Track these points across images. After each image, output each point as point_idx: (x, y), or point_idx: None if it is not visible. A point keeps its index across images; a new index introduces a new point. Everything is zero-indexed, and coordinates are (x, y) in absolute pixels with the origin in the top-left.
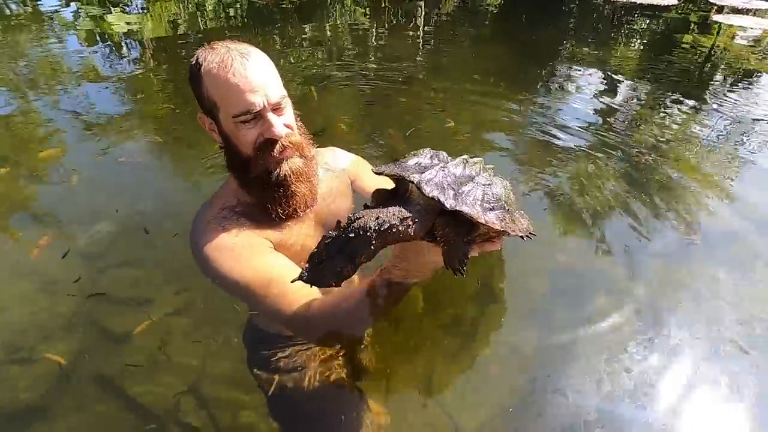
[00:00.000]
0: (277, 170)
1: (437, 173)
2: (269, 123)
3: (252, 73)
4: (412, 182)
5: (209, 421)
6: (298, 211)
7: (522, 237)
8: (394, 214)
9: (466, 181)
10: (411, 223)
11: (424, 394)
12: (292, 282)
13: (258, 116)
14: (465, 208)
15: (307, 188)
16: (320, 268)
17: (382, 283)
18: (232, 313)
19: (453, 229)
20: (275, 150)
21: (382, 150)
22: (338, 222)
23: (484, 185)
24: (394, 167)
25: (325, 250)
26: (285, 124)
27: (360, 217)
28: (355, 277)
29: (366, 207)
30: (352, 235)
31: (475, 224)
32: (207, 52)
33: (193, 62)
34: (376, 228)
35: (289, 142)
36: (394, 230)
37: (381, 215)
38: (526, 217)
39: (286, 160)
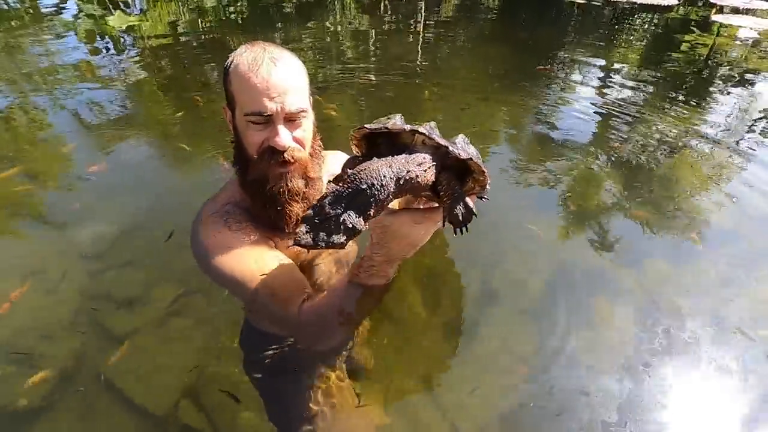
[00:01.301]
0: (272, 183)
1: (433, 131)
2: (276, 132)
3: (275, 78)
4: (423, 134)
5: (209, 421)
6: (287, 229)
7: (481, 198)
8: (407, 161)
9: (453, 140)
10: (427, 168)
11: (424, 396)
12: (287, 248)
13: (269, 121)
14: (475, 159)
15: (301, 209)
16: (322, 227)
17: (366, 270)
18: (232, 313)
19: (456, 182)
20: (276, 160)
21: None
22: (329, 181)
23: (467, 143)
24: (395, 123)
25: (327, 208)
26: (296, 137)
27: (365, 169)
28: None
29: (357, 158)
30: (364, 186)
31: (466, 178)
32: (245, 48)
33: (233, 55)
34: (393, 175)
35: (292, 156)
36: (410, 176)
37: (393, 163)
38: None
39: (288, 178)
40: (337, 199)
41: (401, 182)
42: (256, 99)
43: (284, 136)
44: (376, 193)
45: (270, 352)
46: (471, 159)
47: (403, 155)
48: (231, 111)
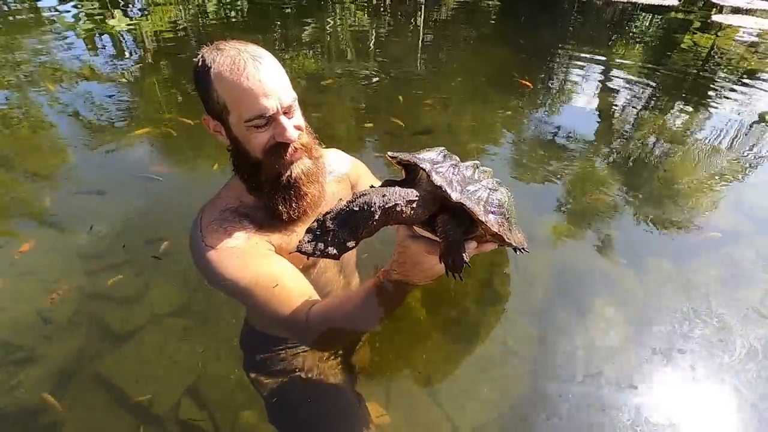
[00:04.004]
0: (288, 172)
1: (449, 168)
2: (282, 127)
3: (266, 77)
4: (424, 169)
5: (209, 420)
6: (309, 212)
7: (515, 249)
8: (400, 195)
9: (473, 182)
10: (415, 206)
11: (424, 395)
12: (289, 254)
13: (270, 120)
14: (468, 203)
15: (316, 189)
16: (321, 239)
17: (380, 286)
18: (232, 313)
19: (453, 227)
20: (287, 153)
21: (381, 152)
22: (340, 199)
23: (489, 189)
24: (408, 155)
25: (327, 222)
26: (295, 125)
27: (366, 194)
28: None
29: (372, 187)
30: (356, 209)
31: (474, 224)
32: (215, 53)
33: (199, 63)
34: (381, 205)
35: (302, 144)
36: (397, 209)
37: (387, 194)
38: (522, 233)
39: (296, 161)
40: (336, 216)
41: (387, 213)
42: (255, 102)
43: (291, 129)
44: (365, 217)
45: (271, 353)
46: (464, 204)
47: (401, 189)
48: (220, 120)
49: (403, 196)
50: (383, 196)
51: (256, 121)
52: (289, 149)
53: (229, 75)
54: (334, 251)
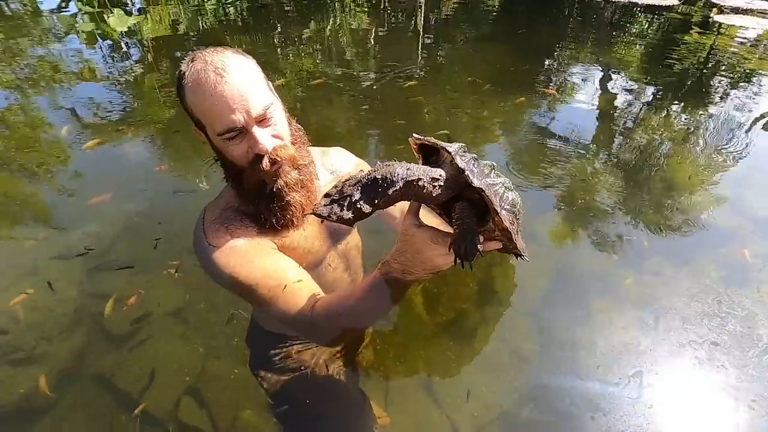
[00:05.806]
0: (272, 184)
1: (470, 160)
2: (254, 139)
3: (229, 90)
4: (449, 153)
5: (209, 421)
6: (294, 220)
7: (516, 255)
8: (424, 171)
9: (490, 178)
10: (438, 185)
11: (425, 395)
12: (304, 215)
13: (243, 131)
14: (487, 191)
15: (302, 196)
16: (337, 203)
17: (381, 277)
18: (233, 313)
19: (470, 215)
20: (264, 163)
21: (380, 151)
22: (361, 170)
23: (505, 187)
24: (433, 139)
25: (346, 187)
26: (274, 134)
27: (390, 164)
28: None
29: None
30: (378, 176)
31: (485, 217)
32: (187, 65)
33: (178, 75)
34: (404, 176)
35: (278, 155)
36: (419, 184)
37: (412, 167)
38: (524, 242)
39: (282, 174)
40: (356, 183)
41: (408, 186)
42: (221, 117)
43: (264, 140)
44: (386, 185)
45: (277, 350)
46: (483, 191)
47: (426, 166)
48: (203, 132)
49: (428, 173)
50: (408, 168)
51: (227, 134)
52: (265, 160)
53: (195, 91)
54: (350, 215)
